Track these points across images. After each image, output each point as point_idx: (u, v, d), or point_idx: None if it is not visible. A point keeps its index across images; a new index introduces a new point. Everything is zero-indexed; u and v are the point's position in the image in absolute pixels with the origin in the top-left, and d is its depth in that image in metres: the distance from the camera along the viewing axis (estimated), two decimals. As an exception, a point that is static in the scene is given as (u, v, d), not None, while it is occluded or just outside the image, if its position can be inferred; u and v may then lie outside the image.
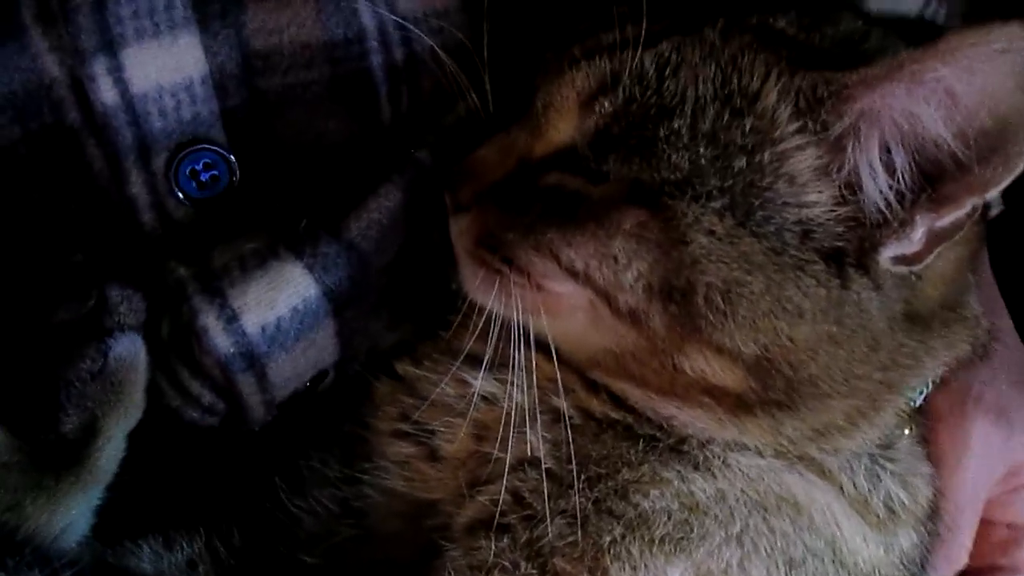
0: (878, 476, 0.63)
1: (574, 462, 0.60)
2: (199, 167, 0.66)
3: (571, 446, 0.60)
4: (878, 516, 0.63)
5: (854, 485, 0.62)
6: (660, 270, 0.56)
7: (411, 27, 0.67)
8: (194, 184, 0.66)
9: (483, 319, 0.62)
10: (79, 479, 0.60)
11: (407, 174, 0.66)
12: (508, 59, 0.68)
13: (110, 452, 0.61)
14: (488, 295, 0.61)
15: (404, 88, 0.68)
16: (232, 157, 0.66)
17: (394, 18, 0.67)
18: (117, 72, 0.62)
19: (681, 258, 0.56)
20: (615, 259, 0.57)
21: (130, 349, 0.61)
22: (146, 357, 0.62)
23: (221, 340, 0.62)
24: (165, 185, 0.65)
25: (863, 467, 0.63)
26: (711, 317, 0.56)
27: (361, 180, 0.66)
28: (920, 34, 0.76)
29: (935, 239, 0.55)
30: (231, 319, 0.62)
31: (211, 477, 0.67)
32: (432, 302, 0.71)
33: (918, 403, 0.66)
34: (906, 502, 0.64)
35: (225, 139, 0.66)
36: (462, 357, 0.65)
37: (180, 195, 0.66)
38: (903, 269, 0.57)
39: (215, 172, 0.66)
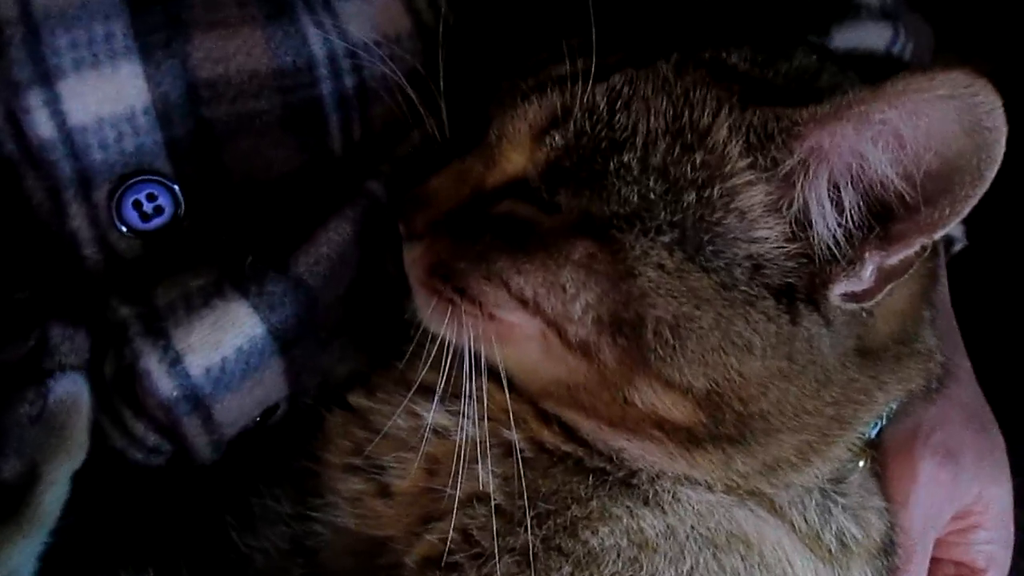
0: (829, 511, 0.63)
1: (525, 498, 0.60)
2: (143, 198, 0.65)
3: (522, 481, 0.60)
4: (830, 551, 0.62)
5: (805, 520, 0.62)
6: (609, 302, 0.56)
7: (363, 54, 0.66)
8: (137, 215, 0.65)
9: (436, 348, 0.62)
10: (20, 527, 0.58)
11: (358, 206, 0.65)
12: (463, 86, 0.68)
13: (53, 496, 0.60)
14: (441, 324, 0.61)
15: (355, 116, 0.68)
16: (177, 188, 0.65)
17: (345, 45, 0.66)
18: (54, 104, 0.61)
19: (630, 291, 0.56)
20: (564, 289, 0.57)
21: (72, 390, 0.60)
22: (89, 398, 0.61)
23: (164, 383, 0.61)
24: (107, 217, 0.64)
25: (814, 502, 0.63)
26: (660, 351, 0.56)
27: (311, 212, 0.65)
28: (886, 71, 0.77)
29: (885, 277, 0.55)
30: (175, 361, 0.61)
31: (159, 516, 0.66)
32: (386, 332, 0.70)
33: (872, 435, 0.66)
34: (858, 536, 0.64)
35: (171, 170, 0.65)
36: (415, 388, 0.65)
37: (123, 228, 0.65)
38: (854, 306, 0.57)
39: (159, 203, 0.65)
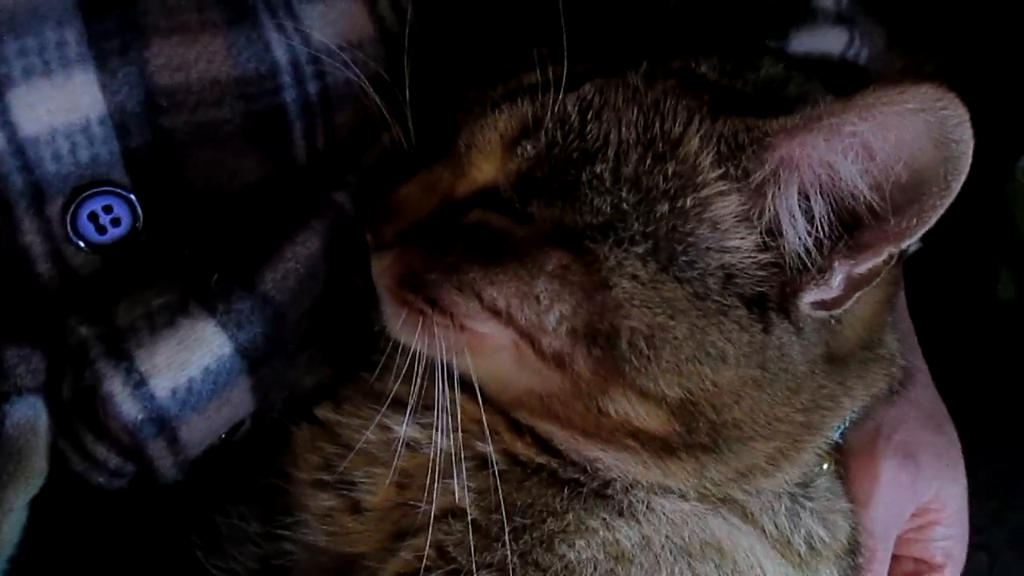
0: (798, 515, 0.64)
1: (502, 511, 0.59)
2: (99, 210, 0.63)
3: (498, 494, 0.59)
4: (800, 555, 0.63)
5: (775, 526, 0.63)
6: (583, 313, 0.56)
7: (326, 59, 0.65)
8: (93, 228, 0.63)
9: (407, 360, 0.61)
10: (-24, 556, 0.56)
11: (326, 218, 0.64)
12: (429, 94, 0.67)
13: (12, 523, 0.58)
14: (411, 335, 0.60)
15: (319, 124, 0.66)
16: (134, 198, 0.63)
17: (308, 50, 0.65)
18: (3, 115, 0.59)
19: (604, 302, 0.56)
20: (537, 300, 0.56)
21: (29, 414, 0.58)
22: (47, 420, 0.59)
23: (128, 407, 0.59)
24: (61, 231, 0.62)
25: (784, 507, 0.63)
26: (635, 361, 0.56)
27: (276, 225, 0.64)
28: (842, 76, 0.78)
29: (854, 285, 0.56)
30: (139, 384, 0.59)
31: (122, 538, 0.64)
32: (353, 344, 0.69)
33: (835, 438, 0.67)
34: (826, 539, 0.65)
35: (128, 181, 0.63)
36: (386, 401, 0.64)
37: (80, 242, 0.62)
38: (823, 314, 0.57)
39: (116, 215, 0.63)
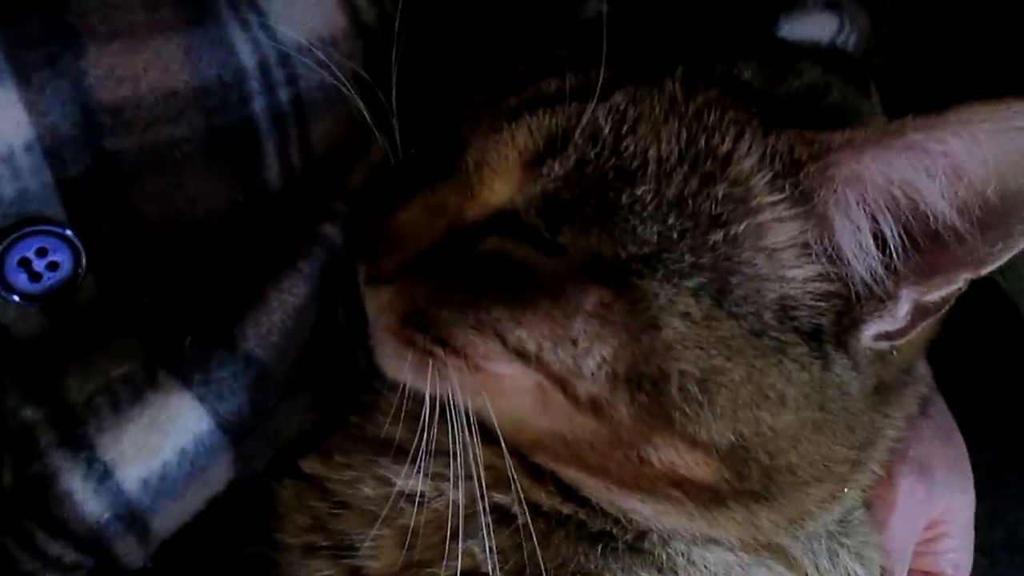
0: (837, 554, 0.60)
1: (527, 574, 0.53)
2: (31, 255, 0.53)
3: (522, 553, 0.53)
4: None
5: (817, 568, 0.59)
6: (627, 356, 0.50)
7: (297, 58, 0.56)
8: (25, 275, 0.53)
9: (407, 403, 0.54)
10: None
11: (314, 259, 0.55)
12: (416, 99, 0.59)
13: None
14: (416, 378, 0.53)
15: (293, 136, 0.57)
16: (71, 235, 0.53)
17: (277, 48, 0.55)
18: None
19: (652, 344, 0.49)
20: (574, 343, 0.50)
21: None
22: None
23: (92, 505, 0.50)
24: None
25: (824, 547, 0.59)
26: (686, 408, 0.50)
27: (252, 265, 0.55)
28: (837, 62, 0.73)
29: (921, 314, 0.51)
30: (103, 476, 0.50)
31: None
32: (338, 384, 0.61)
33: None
34: (861, 575, 0.61)
35: (65, 217, 0.53)
36: (381, 449, 0.57)
37: (14, 296, 0.52)
38: (884, 345, 0.52)
39: (53, 258, 0.53)
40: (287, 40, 0.56)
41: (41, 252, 0.53)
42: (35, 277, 0.53)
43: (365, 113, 0.56)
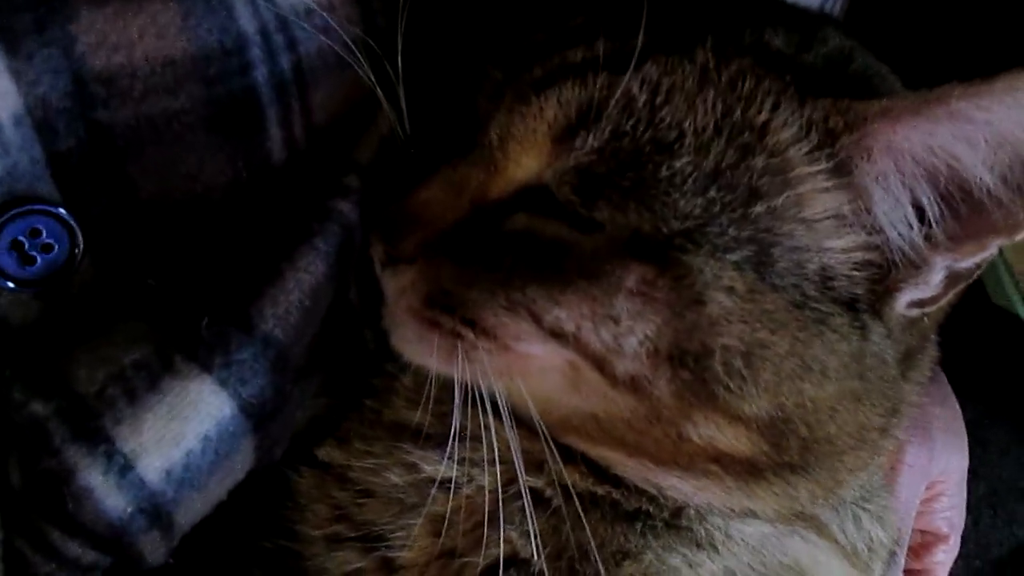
0: (860, 520, 0.61)
1: (566, 557, 0.52)
2: (23, 236, 0.49)
3: (561, 535, 0.52)
4: (864, 560, 0.60)
5: (844, 535, 0.59)
6: (670, 333, 0.49)
7: (295, 21, 0.53)
8: (17, 258, 0.49)
9: (431, 386, 0.53)
10: None
11: (330, 235, 0.52)
12: (422, 68, 0.56)
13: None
14: (441, 361, 0.52)
15: (295, 106, 0.54)
16: (65, 214, 0.50)
17: (275, 11, 0.52)
18: None
19: (696, 320, 0.48)
20: (615, 321, 0.49)
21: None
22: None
23: (114, 500, 0.47)
24: None
25: (850, 514, 0.60)
26: (730, 383, 0.49)
27: (261, 242, 0.52)
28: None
29: (954, 281, 0.51)
30: (124, 469, 0.47)
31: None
32: (347, 366, 0.59)
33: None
34: (884, 539, 0.62)
35: (58, 194, 0.50)
36: (405, 434, 0.55)
37: (8, 283, 0.49)
38: (916, 312, 0.52)
39: (46, 239, 0.50)
40: (284, 3, 0.53)
41: (34, 233, 0.50)
42: (28, 261, 0.50)
43: (372, 79, 0.54)
